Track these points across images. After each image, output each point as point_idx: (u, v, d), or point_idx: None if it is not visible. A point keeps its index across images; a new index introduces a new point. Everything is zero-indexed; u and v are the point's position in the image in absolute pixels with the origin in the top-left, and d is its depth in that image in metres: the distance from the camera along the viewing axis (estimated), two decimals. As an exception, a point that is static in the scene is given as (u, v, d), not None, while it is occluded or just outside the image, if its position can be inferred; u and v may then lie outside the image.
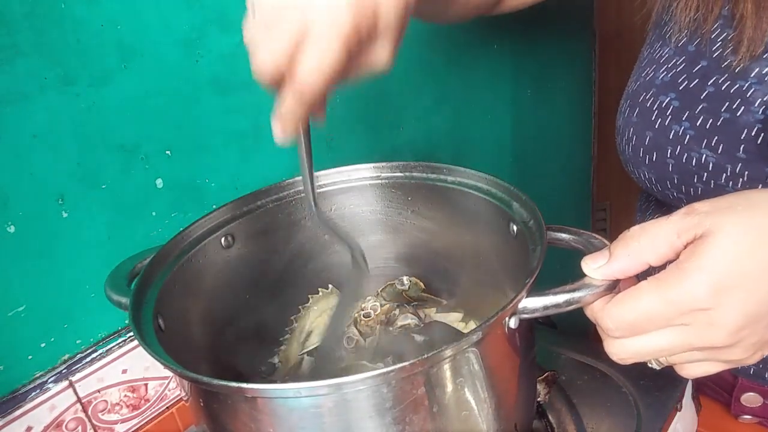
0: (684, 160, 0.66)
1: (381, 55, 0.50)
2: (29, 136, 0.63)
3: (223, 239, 0.70)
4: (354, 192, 0.76)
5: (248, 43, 0.48)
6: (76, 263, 0.68)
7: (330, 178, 0.75)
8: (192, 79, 0.74)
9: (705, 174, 0.65)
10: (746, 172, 0.62)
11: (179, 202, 0.76)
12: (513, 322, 0.49)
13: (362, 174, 0.75)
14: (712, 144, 0.63)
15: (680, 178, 0.67)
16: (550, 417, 0.70)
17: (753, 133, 0.61)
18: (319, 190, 0.75)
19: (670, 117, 0.67)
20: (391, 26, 0.49)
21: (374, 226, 0.78)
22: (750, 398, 0.76)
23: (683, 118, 0.66)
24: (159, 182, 0.74)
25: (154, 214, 0.74)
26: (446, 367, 0.48)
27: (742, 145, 0.61)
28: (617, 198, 1.76)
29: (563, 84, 1.45)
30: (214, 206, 0.72)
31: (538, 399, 0.68)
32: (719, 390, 0.79)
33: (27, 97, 0.62)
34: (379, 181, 0.75)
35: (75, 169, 0.66)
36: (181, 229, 0.67)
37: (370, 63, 0.50)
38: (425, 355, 0.44)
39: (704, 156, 0.64)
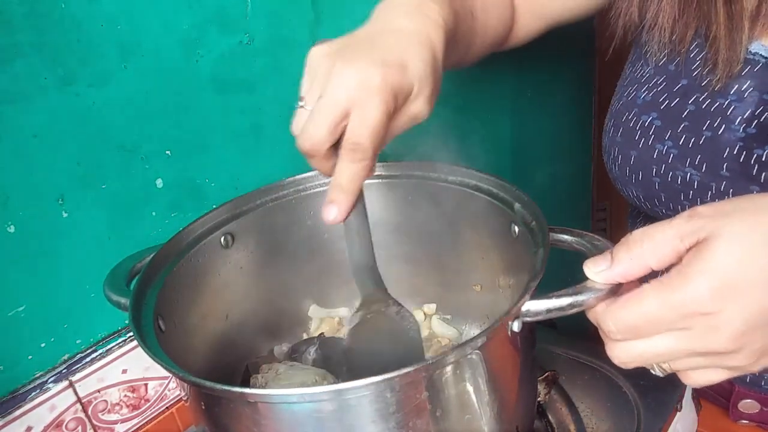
0: (669, 179, 0.66)
1: (419, 108, 0.55)
2: (29, 136, 0.62)
3: (222, 239, 0.70)
4: (354, 192, 0.76)
5: (297, 129, 0.54)
6: (76, 263, 0.68)
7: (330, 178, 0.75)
8: (192, 79, 0.74)
9: (691, 192, 0.65)
10: (731, 190, 0.62)
11: (179, 202, 0.76)
12: (516, 326, 0.49)
13: (362, 174, 0.75)
14: (696, 162, 0.64)
15: (667, 196, 0.67)
16: (550, 417, 0.70)
17: (735, 152, 0.61)
18: (319, 190, 0.75)
19: (653, 136, 0.67)
20: (422, 83, 0.53)
21: (374, 226, 0.77)
22: (747, 405, 0.76)
23: (666, 137, 0.66)
24: (159, 182, 0.73)
25: (154, 214, 0.74)
26: (449, 372, 0.48)
27: (725, 164, 0.61)
28: (617, 198, 1.75)
29: (563, 84, 1.45)
30: (213, 206, 0.71)
31: (538, 399, 0.68)
32: (717, 396, 0.80)
33: (27, 97, 0.61)
34: (379, 181, 0.75)
35: (75, 169, 0.66)
36: (181, 228, 0.67)
37: (412, 116, 0.55)
38: (429, 361, 0.44)
39: (689, 174, 0.64)
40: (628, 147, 0.70)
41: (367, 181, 0.74)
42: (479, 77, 1.16)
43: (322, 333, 0.78)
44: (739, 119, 0.61)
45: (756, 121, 0.60)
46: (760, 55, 0.61)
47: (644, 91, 0.70)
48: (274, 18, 0.80)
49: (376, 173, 0.75)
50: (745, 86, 0.61)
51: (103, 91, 0.67)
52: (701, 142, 0.63)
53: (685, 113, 0.65)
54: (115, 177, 0.70)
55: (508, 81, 1.24)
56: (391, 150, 1.03)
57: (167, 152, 0.73)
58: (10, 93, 0.60)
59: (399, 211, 0.76)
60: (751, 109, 0.60)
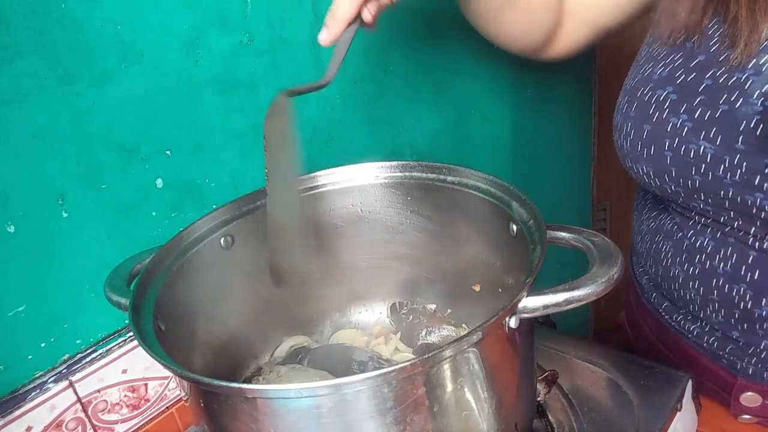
0: (682, 152, 0.66)
1: None
2: (29, 136, 0.62)
3: (222, 239, 0.70)
4: (354, 192, 0.76)
5: None
6: (76, 263, 0.68)
7: (330, 178, 0.75)
8: (192, 79, 0.74)
9: (703, 166, 0.65)
10: (744, 163, 0.62)
11: (179, 202, 0.76)
12: (513, 322, 0.49)
13: (362, 174, 0.75)
14: (710, 136, 0.64)
15: (678, 170, 0.67)
16: (550, 417, 0.70)
17: (752, 125, 0.61)
18: (319, 190, 0.75)
19: (668, 110, 0.68)
20: None
21: (374, 226, 0.78)
22: (749, 398, 0.76)
23: (681, 111, 0.66)
24: (159, 182, 0.74)
25: (154, 214, 0.74)
26: (447, 367, 0.48)
27: (741, 137, 0.62)
28: (617, 198, 1.76)
29: (563, 84, 1.45)
30: (213, 206, 0.72)
31: (538, 399, 0.68)
32: (718, 390, 0.79)
33: (27, 97, 0.62)
34: (379, 181, 0.75)
35: (75, 169, 0.66)
36: (181, 229, 0.67)
37: None
38: (426, 355, 0.44)
39: (702, 147, 0.64)
40: (642, 121, 0.70)
41: (367, 182, 0.76)
42: (479, 76, 1.16)
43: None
44: (757, 93, 0.61)
45: None
46: None
47: (660, 68, 0.70)
48: (274, 18, 0.80)
49: (375, 174, 0.75)
50: (762, 60, 0.61)
51: (103, 91, 0.67)
52: (717, 115, 0.63)
53: (702, 87, 0.65)
54: (115, 177, 0.70)
55: (508, 80, 1.24)
56: (392, 150, 1.04)
57: (167, 152, 0.74)
58: (10, 93, 0.60)
59: (399, 211, 0.77)
60: None
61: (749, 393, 0.75)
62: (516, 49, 0.88)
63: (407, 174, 0.75)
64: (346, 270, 0.80)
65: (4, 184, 0.62)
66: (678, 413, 0.71)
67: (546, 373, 0.71)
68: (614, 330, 1.04)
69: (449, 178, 0.72)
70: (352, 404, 0.46)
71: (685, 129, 0.66)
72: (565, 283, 0.49)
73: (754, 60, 0.61)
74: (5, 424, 0.65)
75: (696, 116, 0.65)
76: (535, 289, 0.49)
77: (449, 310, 0.80)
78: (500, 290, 0.70)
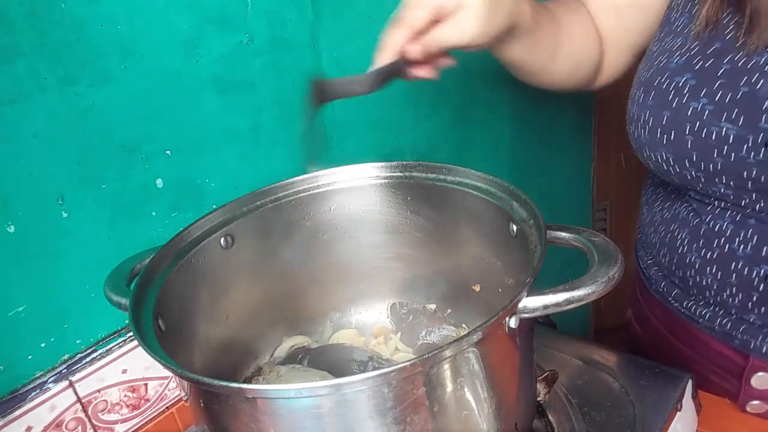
0: (703, 135, 0.67)
1: (464, 23, 0.66)
2: (29, 136, 0.62)
3: (222, 239, 0.70)
4: (354, 192, 0.76)
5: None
6: (76, 263, 0.68)
7: (330, 178, 0.75)
8: (192, 79, 0.74)
9: (725, 147, 0.66)
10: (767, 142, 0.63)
11: (179, 202, 0.76)
12: (513, 322, 0.49)
13: (362, 174, 0.75)
14: (732, 117, 0.65)
15: (699, 154, 0.68)
16: (550, 417, 0.70)
17: None
18: (319, 190, 0.75)
19: (687, 95, 0.68)
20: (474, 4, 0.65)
21: (374, 226, 0.78)
22: (760, 379, 0.76)
23: (701, 95, 0.67)
24: (159, 182, 0.74)
25: (154, 214, 0.74)
26: (447, 367, 0.48)
27: (764, 116, 0.63)
28: (617, 198, 1.76)
29: (563, 84, 1.45)
30: (214, 206, 0.72)
31: (538, 399, 0.68)
32: (728, 376, 0.79)
33: (27, 97, 0.62)
34: (379, 181, 0.75)
35: (75, 169, 0.66)
36: (181, 229, 0.67)
37: (456, 28, 0.66)
38: (426, 355, 0.44)
39: (724, 129, 0.65)
40: (660, 108, 0.71)
41: (367, 182, 0.76)
42: (479, 77, 1.16)
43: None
44: None
45: None
46: None
47: (677, 57, 0.71)
48: (274, 18, 0.80)
49: (375, 174, 0.75)
50: None
51: (103, 91, 0.67)
52: (738, 96, 0.64)
53: (721, 71, 0.66)
54: (115, 177, 0.70)
55: (508, 81, 1.24)
56: (393, 150, 1.04)
57: (167, 152, 0.74)
58: (10, 93, 0.60)
59: (399, 211, 0.77)
60: None
61: (761, 373, 0.76)
62: (567, 90, 0.90)
63: (407, 174, 0.75)
64: (346, 270, 0.80)
65: (4, 184, 0.62)
66: (678, 413, 0.71)
67: (546, 373, 0.71)
68: (614, 330, 1.04)
69: (449, 178, 0.71)
70: (352, 404, 0.46)
71: (706, 112, 0.67)
72: (565, 283, 0.49)
73: None
74: (5, 424, 0.65)
75: (717, 99, 0.66)
76: (535, 289, 0.49)
77: (449, 310, 0.80)
78: (500, 290, 0.70)
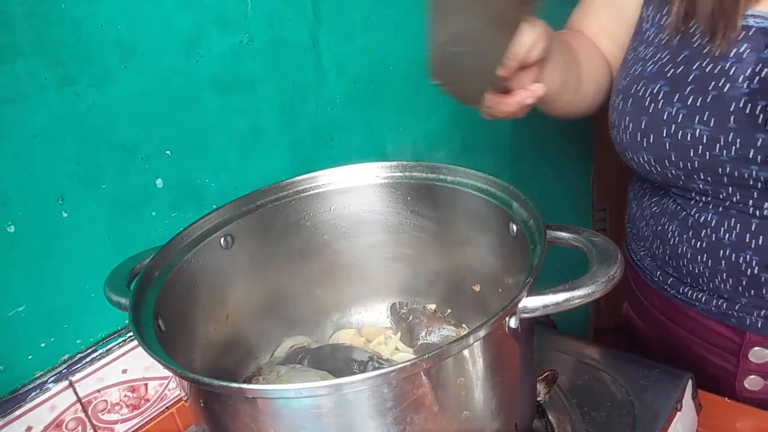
0: (679, 137, 0.72)
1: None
2: (29, 136, 0.62)
3: (222, 239, 0.70)
4: (354, 192, 0.76)
5: None
6: (76, 263, 0.68)
7: (330, 178, 0.75)
8: (192, 79, 0.74)
9: (700, 147, 0.71)
10: (738, 140, 0.68)
11: (179, 202, 0.76)
12: (513, 322, 0.49)
13: (362, 174, 0.75)
14: (704, 119, 0.70)
15: (677, 154, 0.73)
16: (550, 417, 0.70)
17: (741, 105, 0.68)
18: (318, 190, 0.75)
19: (662, 100, 0.74)
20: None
21: (374, 226, 0.78)
22: (757, 353, 0.80)
23: (674, 100, 0.73)
24: (159, 182, 0.74)
25: (154, 214, 0.74)
26: (447, 368, 0.48)
27: (733, 116, 0.69)
28: (617, 199, 1.76)
29: (563, 84, 1.45)
30: (214, 206, 0.72)
31: (538, 399, 0.68)
32: (726, 354, 0.83)
33: (27, 97, 0.61)
34: (379, 181, 0.76)
35: (75, 169, 0.66)
36: (181, 229, 0.67)
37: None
38: (426, 355, 0.44)
39: (698, 130, 0.71)
40: (639, 113, 0.76)
41: (367, 182, 0.76)
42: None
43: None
44: (741, 77, 0.68)
45: (757, 77, 0.68)
46: (753, 21, 0.69)
47: (650, 65, 0.76)
48: (274, 18, 0.80)
49: (375, 174, 0.75)
50: (742, 49, 0.69)
51: (103, 91, 0.67)
52: (708, 100, 0.70)
53: (691, 77, 0.72)
54: (115, 177, 0.70)
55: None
56: (393, 150, 1.04)
57: (167, 152, 0.74)
58: (10, 93, 0.60)
59: (399, 211, 0.77)
60: (751, 68, 0.68)
61: (757, 348, 0.80)
62: (580, 116, 0.92)
63: (407, 174, 0.75)
64: (346, 270, 0.80)
65: (4, 184, 0.62)
66: (678, 413, 0.71)
67: (546, 373, 0.71)
68: (614, 330, 1.04)
69: (449, 178, 0.72)
70: (352, 404, 0.46)
71: (680, 116, 0.72)
72: (565, 283, 0.49)
73: (735, 50, 0.69)
74: (5, 424, 0.65)
75: (689, 103, 0.71)
76: (535, 289, 0.50)
77: (449, 310, 0.80)
78: (500, 290, 0.70)
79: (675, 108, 0.72)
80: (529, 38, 0.62)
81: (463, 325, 0.78)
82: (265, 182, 0.74)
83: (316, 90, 0.88)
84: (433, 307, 0.80)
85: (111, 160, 0.69)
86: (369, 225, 0.78)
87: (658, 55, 0.76)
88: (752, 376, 0.82)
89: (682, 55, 0.73)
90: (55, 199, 0.65)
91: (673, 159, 0.74)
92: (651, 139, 0.75)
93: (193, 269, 0.67)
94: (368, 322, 0.83)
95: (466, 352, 0.48)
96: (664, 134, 0.73)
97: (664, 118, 0.73)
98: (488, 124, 1.23)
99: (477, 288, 0.75)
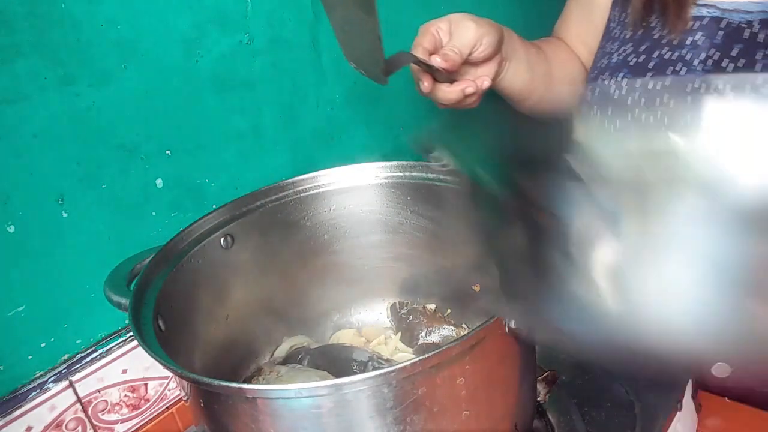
0: (642, 120, 0.74)
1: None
2: (29, 136, 0.62)
3: (222, 239, 0.70)
4: (354, 192, 0.76)
5: None
6: (76, 263, 0.68)
7: (330, 178, 0.75)
8: (192, 79, 0.74)
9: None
10: None
11: (179, 202, 0.76)
12: (513, 322, 0.49)
13: (362, 174, 0.75)
14: (664, 101, 0.73)
15: None
16: (550, 417, 0.70)
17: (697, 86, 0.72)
18: (319, 190, 0.75)
19: (625, 87, 0.76)
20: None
21: (374, 226, 0.78)
22: None
23: (636, 86, 0.75)
24: (159, 182, 0.74)
25: (154, 214, 0.74)
26: (447, 367, 0.48)
27: (689, 97, 0.70)
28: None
29: (563, 84, 1.45)
30: (214, 206, 0.72)
31: (538, 399, 0.68)
32: None
33: (27, 97, 0.62)
34: (379, 181, 0.75)
35: (75, 169, 0.66)
36: (181, 229, 0.67)
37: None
38: (426, 355, 0.44)
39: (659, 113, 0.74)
40: (605, 101, 0.78)
41: (367, 182, 0.76)
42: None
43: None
44: (696, 61, 0.75)
45: (711, 61, 0.74)
46: (706, 11, 0.75)
47: (614, 57, 0.83)
48: (274, 18, 0.80)
49: (375, 174, 0.75)
50: (697, 37, 0.75)
51: (103, 91, 0.67)
52: (667, 84, 0.73)
53: (651, 65, 0.78)
54: (115, 177, 0.70)
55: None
56: (392, 150, 1.04)
57: (167, 152, 0.74)
58: (10, 93, 0.60)
59: (399, 211, 0.77)
60: (705, 53, 0.75)
61: None
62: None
63: (407, 174, 0.75)
64: (346, 270, 0.80)
65: (4, 184, 0.62)
66: (678, 413, 0.70)
67: (546, 373, 0.71)
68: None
69: (449, 178, 0.71)
70: (352, 404, 0.46)
71: (642, 101, 0.75)
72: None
73: (690, 38, 0.75)
74: (5, 424, 0.65)
75: (649, 88, 0.74)
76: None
77: (449, 310, 0.80)
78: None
79: (637, 93, 0.75)
80: (472, 35, 0.71)
81: (463, 325, 0.78)
82: (265, 182, 0.74)
83: (316, 90, 0.88)
84: (433, 307, 0.80)
85: (111, 160, 0.69)
86: (369, 225, 0.78)
87: (622, 48, 0.82)
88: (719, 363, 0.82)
89: (644, 46, 0.79)
90: (55, 199, 0.65)
91: None
92: (617, 125, 0.77)
93: (193, 269, 0.67)
94: (368, 322, 0.83)
95: (466, 353, 0.48)
96: (629, 119, 0.75)
97: (628, 103, 0.75)
98: (488, 125, 1.23)
99: (477, 288, 0.75)
